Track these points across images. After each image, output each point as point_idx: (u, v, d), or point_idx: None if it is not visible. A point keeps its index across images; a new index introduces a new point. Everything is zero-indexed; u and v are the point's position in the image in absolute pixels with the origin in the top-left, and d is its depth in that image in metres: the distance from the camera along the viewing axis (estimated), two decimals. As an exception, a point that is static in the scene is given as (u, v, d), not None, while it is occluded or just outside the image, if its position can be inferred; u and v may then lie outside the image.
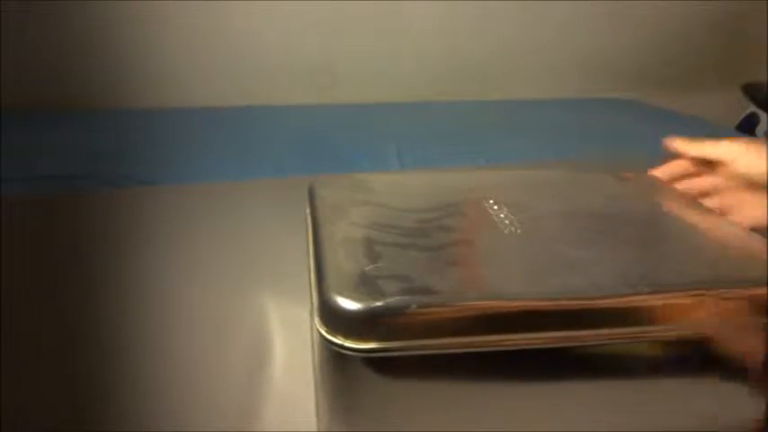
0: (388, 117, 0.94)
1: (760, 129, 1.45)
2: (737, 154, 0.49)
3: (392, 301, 0.31)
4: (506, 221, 0.41)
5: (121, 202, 0.62)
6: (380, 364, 0.31)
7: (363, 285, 0.32)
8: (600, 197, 0.48)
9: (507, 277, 0.36)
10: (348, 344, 0.30)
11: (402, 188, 0.46)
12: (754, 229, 0.42)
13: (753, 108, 1.45)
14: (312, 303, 0.34)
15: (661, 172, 0.52)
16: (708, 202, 0.49)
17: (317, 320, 0.32)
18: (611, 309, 0.34)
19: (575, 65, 1.06)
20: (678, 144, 0.52)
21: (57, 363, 0.44)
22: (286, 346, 0.46)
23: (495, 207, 0.43)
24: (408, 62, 0.87)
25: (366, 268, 0.34)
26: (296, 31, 0.78)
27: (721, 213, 0.48)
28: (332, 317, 0.31)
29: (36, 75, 0.75)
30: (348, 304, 0.31)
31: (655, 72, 1.09)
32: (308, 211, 0.43)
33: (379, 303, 0.31)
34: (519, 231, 0.40)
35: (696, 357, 0.35)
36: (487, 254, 0.38)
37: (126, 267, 0.53)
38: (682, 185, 0.51)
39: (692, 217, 0.44)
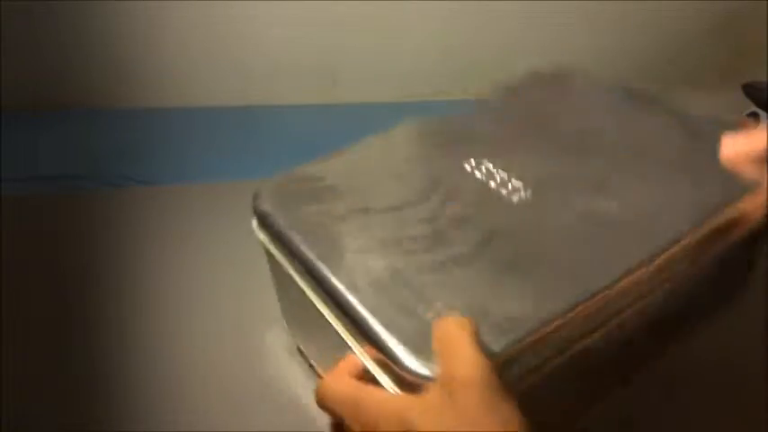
0: (388, 117, 0.94)
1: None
2: None
3: (491, 353, 0.27)
4: (507, 186, 0.36)
5: (121, 202, 0.62)
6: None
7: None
8: (581, 115, 0.43)
9: (567, 264, 0.32)
10: None
11: (363, 174, 0.39)
12: None
13: (753, 108, 1.45)
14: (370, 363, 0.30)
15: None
16: None
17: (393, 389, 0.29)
18: (683, 253, 0.33)
19: (576, 63, 1.06)
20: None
21: (57, 362, 0.44)
22: (286, 345, 0.46)
23: (483, 170, 0.38)
24: (409, 62, 0.87)
25: (428, 316, 0.29)
26: (296, 31, 0.78)
27: None
28: (412, 387, 0.27)
29: (36, 75, 0.75)
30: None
31: (655, 72, 1.09)
32: (263, 237, 0.37)
33: None
34: (529, 194, 0.36)
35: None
36: (521, 241, 0.33)
37: (126, 267, 0.53)
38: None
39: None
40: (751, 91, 1.41)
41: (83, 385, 0.42)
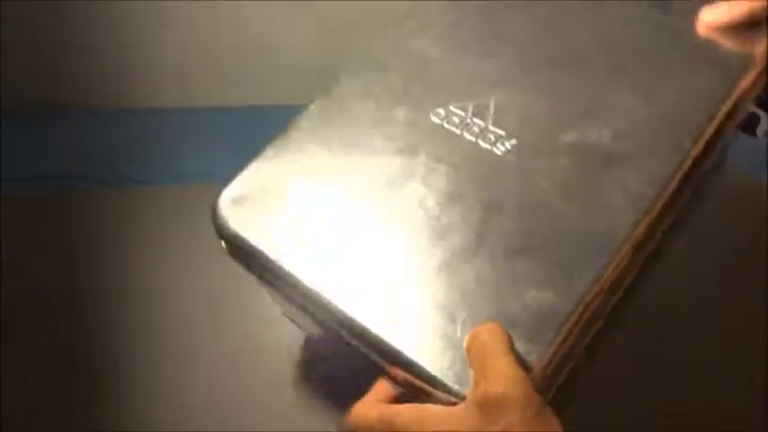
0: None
1: (760, 129, 1.45)
2: None
3: (526, 365, 0.26)
4: (487, 136, 0.32)
5: (120, 202, 0.62)
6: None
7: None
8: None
9: (576, 226, 0.29)
10: None
11: (329, 160, 0.34)
12: None
13: (753, 108, 1.45)
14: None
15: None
16: None
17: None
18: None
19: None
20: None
21: (57, 362, 0.44)
22: (287, 345, 0.46)
23: (455, 120, 0.33)
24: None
25: (457, 335, 0.27)
26: (297, 31, 0.78)
27: None
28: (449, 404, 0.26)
29: (36, 75, 0.75)
30: None
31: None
32: (241, 263, 0.33)
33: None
34: (513, 143, 0.31)
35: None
36: (521, 211, 0.30)
37: (125, 267, 0.53)
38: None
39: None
40: (751, 91, 1.41)
41: (83, 385, 0.42)
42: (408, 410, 0.26)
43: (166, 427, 0.40)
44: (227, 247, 0.34)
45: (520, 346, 0.26)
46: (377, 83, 0.36)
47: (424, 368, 0.27)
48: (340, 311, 0.29)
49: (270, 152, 0.35)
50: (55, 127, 0.73)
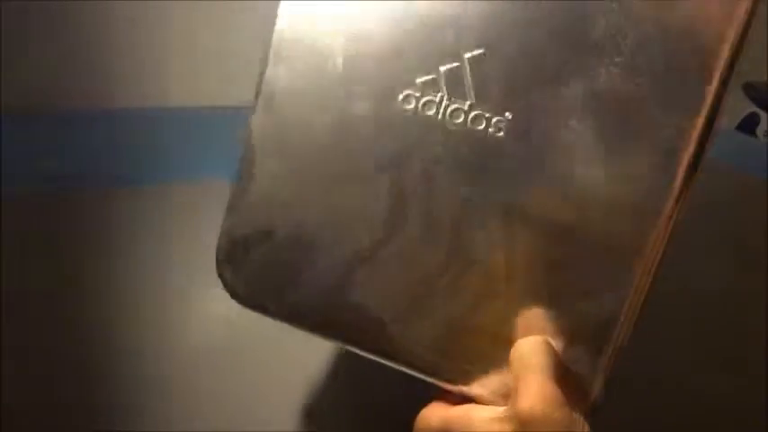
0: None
1: (760, 129, 1.45)
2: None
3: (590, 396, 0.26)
4: (476, 117, 0.26)
5: (121, 202, 0.62)
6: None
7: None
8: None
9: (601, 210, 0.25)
10: None
11: (312, 194, 0.29)
12: None
13: (753, 108, 1.45)
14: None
15: None
16: None
17: None
18: None
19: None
20: None
21: (57, 362, 0.44)
22: (286, 346, 0.46)
23: (434, 106, 0.27)
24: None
25: (499, 358, 0.27)
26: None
27: None
28: None
29: (36, 75, 0.75)
30: None
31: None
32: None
33: None
34: (509, 119, 0.26)
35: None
36: (540, 208, 0.26)
37: (125, 267, 0.53)
38: None
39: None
40: (751, 91, 1.41)
41: (82, 383, 0.42)
42: (458, 415, 0.27)
43: (166, 427, 0.40)
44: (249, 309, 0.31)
45: (577, 362, 0.26)
46: (316, 80, 0.28)
47: (476, 395, 0.27)
48: (376, 359, 0.29)
49: (239, 197, 0.31)
50: (55, 127, 0.73)
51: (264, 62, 0.30)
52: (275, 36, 0.29)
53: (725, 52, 0.25)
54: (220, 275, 0.31)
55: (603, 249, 0.26)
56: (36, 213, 0.59)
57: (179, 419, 0.40)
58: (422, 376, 0.29)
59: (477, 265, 0.27)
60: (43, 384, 0.42)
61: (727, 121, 1.26)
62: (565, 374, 0.26)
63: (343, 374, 0.43)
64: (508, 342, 0.27)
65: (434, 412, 0.28)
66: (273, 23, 0.30)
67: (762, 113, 1.44)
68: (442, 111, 0.27)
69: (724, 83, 0.25)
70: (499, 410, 0.26)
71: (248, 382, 0.43)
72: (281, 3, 0.30)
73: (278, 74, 0.29)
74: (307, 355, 0.45)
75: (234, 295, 0.31)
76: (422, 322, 0.28)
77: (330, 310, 0.29)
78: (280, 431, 0.39)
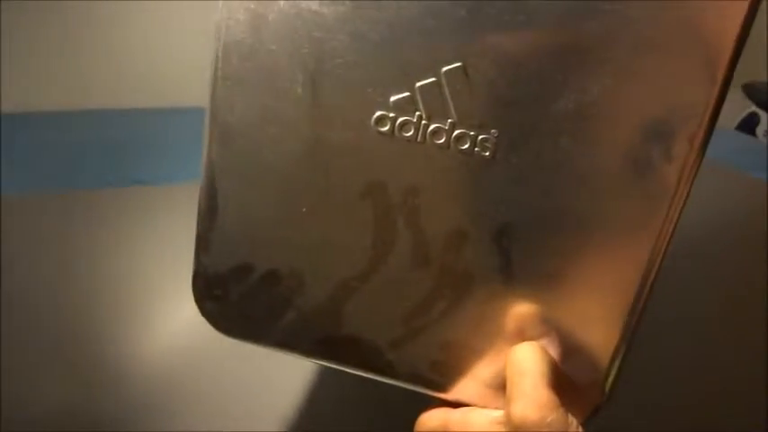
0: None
1: (760, 129, 1.45)
2: None
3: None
4: (452, 136, 0.24)
5: (121, 202, 0.62)
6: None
7: None
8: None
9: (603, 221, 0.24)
10: None
11: (289, 225, 0.26)
12: None
13: (753, 108, 1.45)
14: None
15: None
16: None
17: None
18: None
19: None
20: None
21: (57, 362, 0.44)
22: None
23: (412, 127, 0.24)
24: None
25: (497, 367, 0.27)
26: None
27: None
28: None
29: (36, 75, 0.75)
30: None
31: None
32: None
33: None
34: (494, 133, 0.24)
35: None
36: (537, 221, 0.25)
37: (126, 267, 0.53)
38: None
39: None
40: (751, 91, 1.41)
41: (82, 384, 0.42)
42: (456, 417, 0.28)
43: (166, 427, 0.40)
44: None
45: (576, 369, 0.26)
46: (278, 99, 0.25)
47: (475, 409, 0.28)
48: (378, 381, 0.28)
49: (212, 243, 0.28)
50: (55, 127, 0.73)
51: (213, 85, 0.27)
52: (221, 52, 0.26)
53: (723, 60, 0.23)
54: (201, 312, 0.29)
55: (598, 264, 0.25)
56: (36, 213, 0.59)
57: (178, 419, 0.40)
58: (421, 390, 0.29)
59: (471, 287, 0.26)
60: (44, 384, 0.42)
61: (727, 121, 1.26)
62: (561, 379, 0.26)
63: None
64: (504, 353, 0.27)
65: (434, 415, 0.29)
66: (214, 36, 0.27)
67: (762, 113, 1.44)
68: (421, 131, 0.24)
69: (722, 89, 0.24)
70: (496, 414, 0.27)
71: (246, 385, 0.43)
72: (222, 5, 0.25)
73: (231, 97, 0.26)
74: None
75: (219, 329, 0.29)
76: (419, 345, 0.27)
77: (323, 340, 0.28)
78: (275, 431, 0.39)
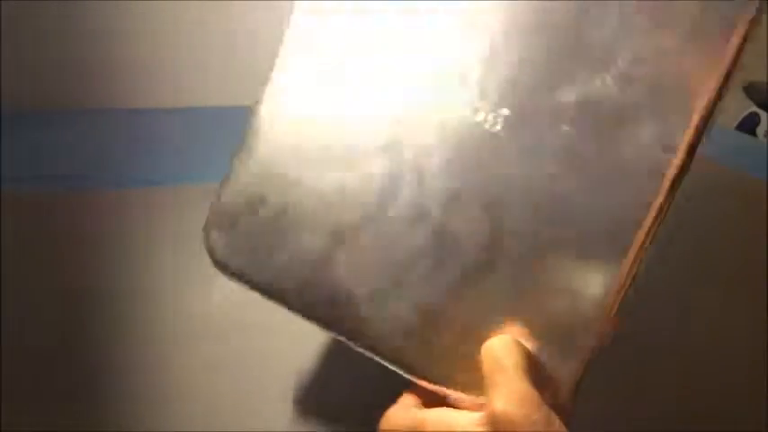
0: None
1: (760, 129, 1.45)
2: None
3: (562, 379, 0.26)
4: (479, 114, 0.27)
5: (122, 202, 0.62)
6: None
7: None
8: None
9: (593, 212, 0.26)
10: None
11: (307, 168, 0.30)
12: None
13: (753, 108, 1.45)
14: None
15: None
16: None
17: None
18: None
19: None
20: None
21: (57, 362, 0.44)
22: (287, 347, 0.46)
23: (429, 93, 0.28)
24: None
25: (471, 351, 0.27)
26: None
27: None
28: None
29: (37, 74, 0.75)
30: None
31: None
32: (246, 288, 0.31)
33: None
34: (506, 113, 0.27)
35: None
36: (528, 203, 0.27)
37: (125, 267, 0.53)
38: None
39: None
40: (751, 91, 1.41)
41: (83, 386, 0.42)
42: (434, 417, 0.26)
43: (167, 427, 0.40)
44: (231, 279, 0.32)
45: (550, 362, 0.26)
46: (325, 67, 0.30)
47: (446, 390, 0.27)
48: (353, 341, 0.29)
49: (237, 172, 0.32)
50: (55, 127, 0.73)
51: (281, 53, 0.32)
52: (291, 29, 0.32)
53: (715, 78, 0.26)
54: (206, 241, 0.32)
55: (584, 251, 0.26)
56: (36, 213, 0.59)
57: (176, 419, 0.40)
58: (395, 367, 0.28)
59: (458, 255, 0.27)
60: (44, 384, 0.42)
61: (727, 121, 1.26)
62: (539, 373, 0.25)
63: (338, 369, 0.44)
64: (480, 338, 0.27)
65: (403, 413, 0.27)
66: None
67: (762, 113, 1.44)
68: (446, 100, 0.28)
69: (713, 104, 0.26)
70: (477, 416, 0.25)
71: (244, 386, 0.43)
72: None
73: (292, 64, 0.31)
74: (301, 350, 0.45)
75: (216, 263, 0.32)
76: (396, 305, 0.28)
77: (308, 285, 0.30)
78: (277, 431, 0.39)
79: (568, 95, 0.27)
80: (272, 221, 0.30)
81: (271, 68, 0.32)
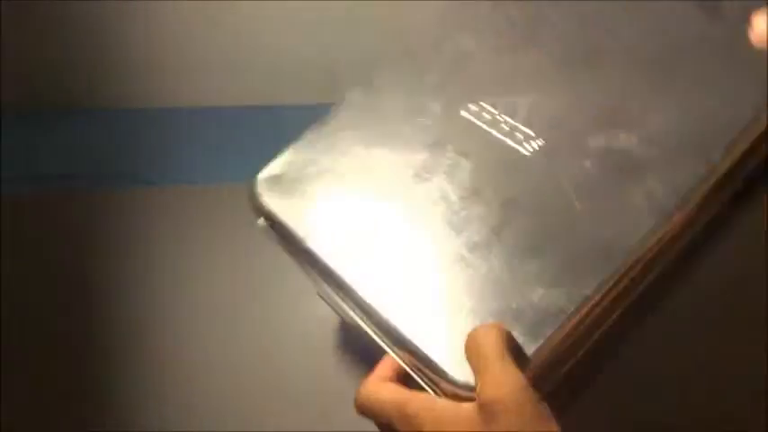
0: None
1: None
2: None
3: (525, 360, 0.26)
4: (515, 135, 0.33)
5: (121, 202, 0.62)
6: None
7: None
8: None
9: (591, 231, 0.29)
10: None
11: (359, 147, 0.36)
12: None
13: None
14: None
15: None
16: None
17: None
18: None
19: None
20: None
21: (57, 362, 0.44)
22: (288, 347, 0.46)
23: (484, 116, 0.34)
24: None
25: (458, 321, 0.28)
26: (296, 30, 0.78)
27: None
28: (453, 395, 0.27)
29: (36, 74, 0.75)
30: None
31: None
32: (275, 240, 0.35)
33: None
34: (541, 143, 0.32)
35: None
36: (540, 211, 0.30)
37: (126, 267, 0.53)
38: None
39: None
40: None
41: (82, 385, 0.42)
42: (420, 399, 0.26)
43: (167, 427, 0.40)
44: (260, 222, 0.35)
45: (520, 341, 0.27)
46: (413, 76, 0.37)
47: (431, 359, 0.28)
48: (353, 292, 0.31)
49: (307, 138, 0.37)
50: (55, 127, 0.73)
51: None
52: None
53: (730, 160, 0.30)
54: (253, 188, 0.35)
55: (571, 261, 0.29)
56: (36, 213, 0.59)
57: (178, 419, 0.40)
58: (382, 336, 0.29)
59: (463, 237, 0.31)
60: (44, 384, 0.42)
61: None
62: (523, 360, 0.26)
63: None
64: (468, 315, 0.28)
65: (387, 388, 0.28)
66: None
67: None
68: (491, 123, 0.33)
69: (723, 182, 0.30)
70: (466, 406, 0.25)
71: (245, 386, 0.43)
72: None
73: (387, 76, 0.38)
74: (301, 350, 0.45)
75: (259, 210, 0.35)
76: (397, 280, 0.30)
77: (335, 251, 0.32)
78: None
79: (598, 141, 0.31)
80: (318, 183, 0.35)
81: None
